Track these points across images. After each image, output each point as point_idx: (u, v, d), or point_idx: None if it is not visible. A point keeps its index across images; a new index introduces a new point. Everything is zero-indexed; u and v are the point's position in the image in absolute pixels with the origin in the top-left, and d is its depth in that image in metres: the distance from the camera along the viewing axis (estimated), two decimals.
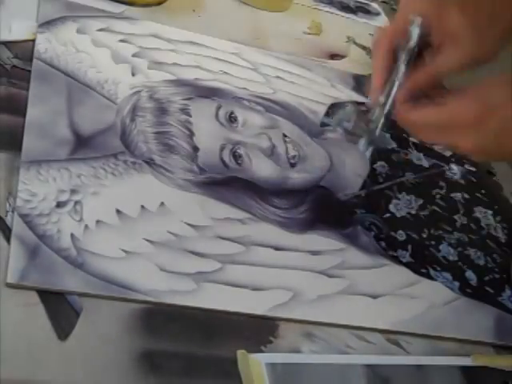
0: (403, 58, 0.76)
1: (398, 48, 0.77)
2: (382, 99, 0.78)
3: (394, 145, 1.04)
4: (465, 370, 0.82)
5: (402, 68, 0.76)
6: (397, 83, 0.76)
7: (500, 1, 0.75)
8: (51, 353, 0.66)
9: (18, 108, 0.83)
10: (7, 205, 0.74)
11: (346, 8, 1.28)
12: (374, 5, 1.32)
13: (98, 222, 0.76)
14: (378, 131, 0.80)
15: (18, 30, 0.92)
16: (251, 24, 1.13)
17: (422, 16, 0.75)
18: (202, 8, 1.11)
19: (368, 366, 0.77)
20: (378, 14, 1.31)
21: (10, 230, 0.72)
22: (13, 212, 0.73)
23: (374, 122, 0.79)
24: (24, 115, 0.82)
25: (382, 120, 0.78)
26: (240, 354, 0.72)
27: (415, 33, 0.76)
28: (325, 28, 1.20)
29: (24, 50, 0.90)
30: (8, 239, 0.71)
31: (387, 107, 0.77)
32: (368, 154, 0.85)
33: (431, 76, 0.76)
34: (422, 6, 0.76)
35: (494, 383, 0.83)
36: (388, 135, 0.94)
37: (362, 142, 0.82)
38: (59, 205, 0.76)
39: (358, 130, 0.84)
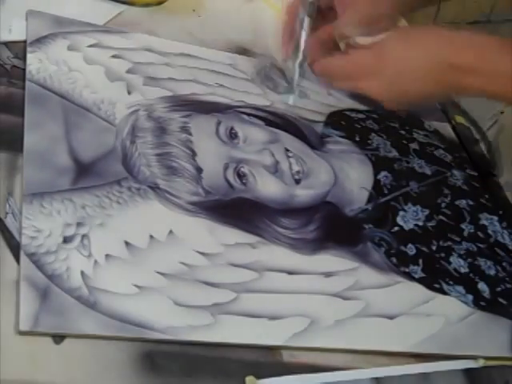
0: (305, 10, 0.84)
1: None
2: (291, 51, 0.87)
3: (395, 153, 1.02)
4: (467, 370, 0.81)
5: (306, 20, 0.84)
6: (303, 34, 0.84)
7: None
8: (50, 353, 0.65)
9: (18, 108, 0.82)
10: (7, 206, 0.73)
11: None
12: None
13: (107, 256, 0.73)
14: (295, 79, 0.87)
15: (18, 30, 0.91)
16: (251, 24, 1.12)
17: None
18: (202, 8, 1.11)
19: (375, 379, 0.77)
20: None
21: (9, 232, 0.71)
22: (13, 213, 0.72)
23: (289, 72, 0.87)
24: (24, 115, 0.82)
25: (297, 68, 0.86)
26: (249, 381, 0.70)
27: None
28: None
29: (24, 50, 0.89)
30: (7, 241, 0.70)
31: (299, 56, 0.85)
32: (291, 102, 0.89)
33: (331, 34, 0.85)
34: None
35: (496, 382, 0.82)
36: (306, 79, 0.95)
37: (284, 94, 0.90)
38: (66, 240, 0.73)
39: (275, 82, 0.92)
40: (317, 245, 0.85)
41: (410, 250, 0.90)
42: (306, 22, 0.83)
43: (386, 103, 0.85)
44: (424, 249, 0.91)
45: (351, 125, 1.03)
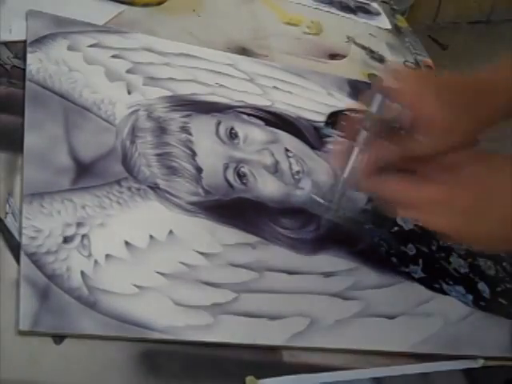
0: (364, 124, 0.71)
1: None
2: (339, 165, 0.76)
3: None
4: (466, 370, 0.82)
5: (363, 134, 0.72)
6: (356, 149, 0.72)
7: (474, 92, 0.73)
8: (50, 353, 0.65)
9: (18, 108, 0.82)
10: (7, 206, 0.73)
11: (345, 8, 1.27)
12: (374, 5, 1.32)
13: (107, 256, 0.73)
14: (336, 197, 0.77)
15: (18, 30, 0.91)
16: (251, 24, 1.13)
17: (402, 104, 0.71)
18: (202, 8, 1.11)
19: (375, 379, 0.77)
20: (378, 13, 1.30)
21: (9, 232, 0.71)
22: (13, 213, 0.72)
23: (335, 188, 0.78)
24: (24, 115, 0.81)
25: (340, 185, 0.75)
26: (249, 381, 0.70)
27: (377, 100, 0.71)
28: (325, 28, 1.19)
29: (24, 50, 0.89)
30: (7, 241, 0.70)
31: (345, 173, 0.74)
32: (331, 217, 0.84)
33: (401, 156, 0.72)
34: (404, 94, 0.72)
35: (496, 382, 0.83)
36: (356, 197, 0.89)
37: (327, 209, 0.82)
38: (66, 240, 0.73)
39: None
40: (316, 245, 0.85)
41: (410, 250, 0.90)
42: (362, 136, 0.71)
43: (456, 240, 0.75)
44: (424, 249, 0.91)
45: None
